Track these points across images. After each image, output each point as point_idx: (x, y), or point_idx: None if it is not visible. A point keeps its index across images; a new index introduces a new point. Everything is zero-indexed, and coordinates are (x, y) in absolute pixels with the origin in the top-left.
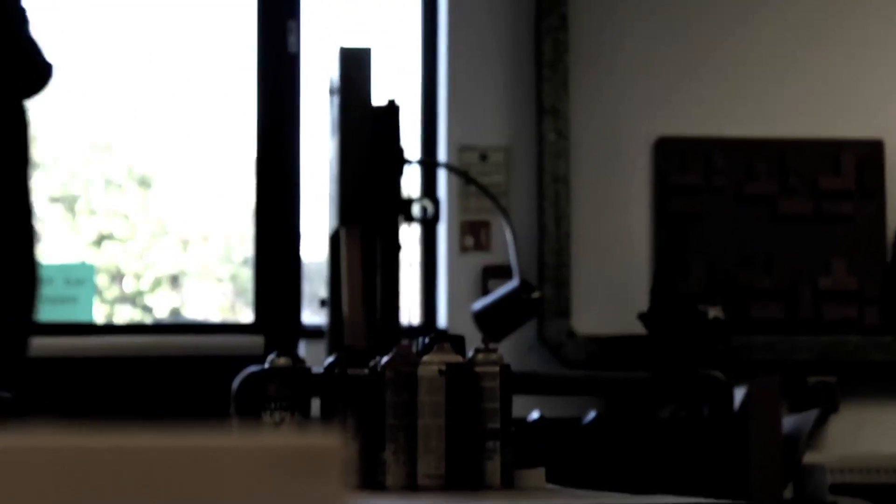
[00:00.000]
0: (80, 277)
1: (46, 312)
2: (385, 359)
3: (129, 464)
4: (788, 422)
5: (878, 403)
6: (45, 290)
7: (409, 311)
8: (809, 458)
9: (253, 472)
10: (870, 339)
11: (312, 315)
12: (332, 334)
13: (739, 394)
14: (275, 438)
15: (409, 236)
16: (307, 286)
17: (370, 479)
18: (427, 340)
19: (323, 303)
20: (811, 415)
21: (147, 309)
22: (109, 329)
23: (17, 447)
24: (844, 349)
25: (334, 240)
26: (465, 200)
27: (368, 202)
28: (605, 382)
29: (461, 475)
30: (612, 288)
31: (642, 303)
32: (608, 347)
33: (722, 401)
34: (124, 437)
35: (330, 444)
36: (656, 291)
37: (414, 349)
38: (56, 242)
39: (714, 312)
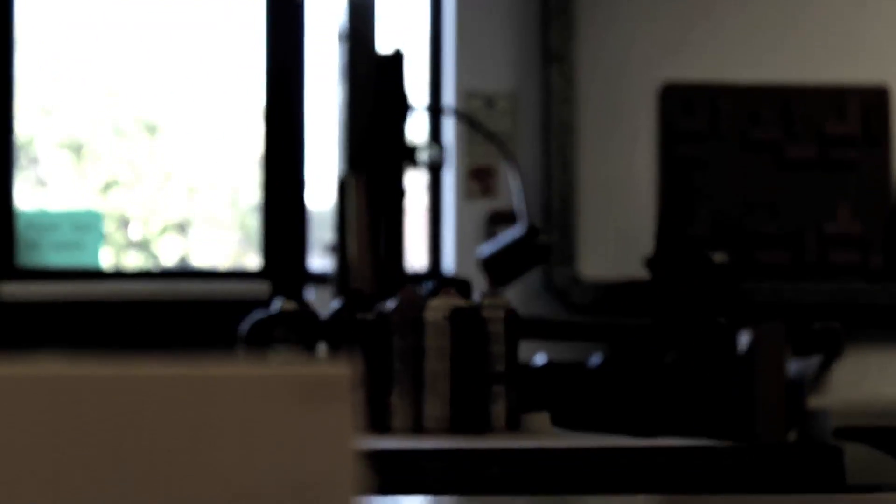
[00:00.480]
0: (88, 224)
1: (54, 258)
2: (391, 303)
3: (130, 391)
4: (793, 367)
5: (883, 349)
6: (53, 236)
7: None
8: (813, 402)
9: (259, 400)
10: (875, 285)
11: (319, 262)
12: (338, 280)
13: (744, 339)
14: (282, 367)
15: (416, 182)
16: (314, 233)
17: (377, 423)
18: (433, 285)
19: (329, 249)
20: (816, 360)
21: (154, 256)
22: (117, 275)
23: (15, 374)
24: (849, 295)
25: (341, 186)
26: (472, 147)
27: (374, 149)
28: (610, 327)
29: (467, 418)
30: (618, 233)
31: (648, 248)
32: (614, 293)
33: (726, 345)
34: (125, 365)
35: (338, 372)
36: (662, 237)
37: (420, 294)
38: (63, 189)
39: (719, 258)
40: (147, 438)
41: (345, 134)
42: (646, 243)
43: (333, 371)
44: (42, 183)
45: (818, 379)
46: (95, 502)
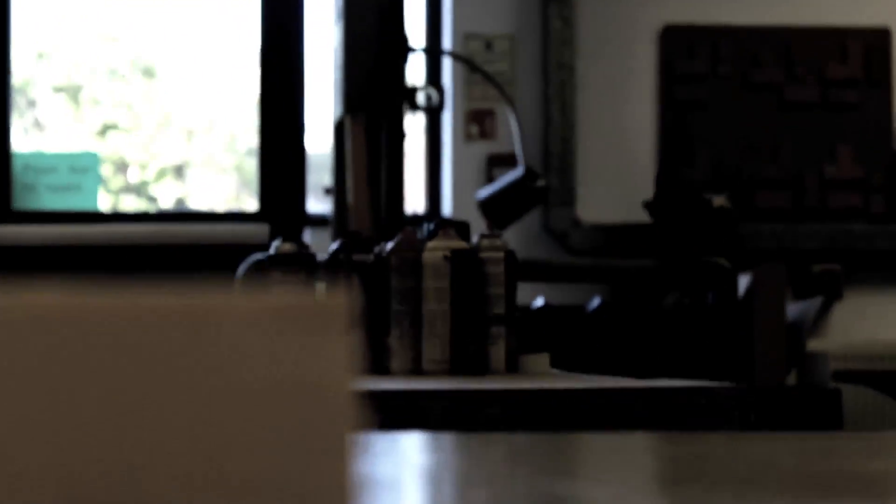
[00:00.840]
0: (85, 166)
1: (50, 201)
2: (390, 245)
3: (121, 321)
4: (792, 309)
5: (883, 291)
6: (50, 179)
7: (414, 200)
8: (813, 345)
9: (254, 330)
10: (875, 228)
11: (317, 205)
12: (336, 222)
13: (744, 281)
14: (277, 298)
15: (414, 125)
16: (311, 176)
17: (375, 364)
18: (432, 227)
19: (328, 191)
20: (815, 302)
21: (152, 199)
22: (114, 217)
23: (6, 305)
24: (849, 237)
25: (339, 128)
26: (470, 89)
27: (373, 91)
28: (609, 270)
29: (466, 360)
30: (617, 176)
31: (647, 191)
32: (613, 236)
33: (726, 288)
34: (115, 296)
35: (335, 303)
36: (661, 180)
37: (419, 236)
38: (60, 132)
39: (719, 201)
40: (138, 370)
41: (343, 76)
42: (645, 186)
43: (330, 303)
44: (39, 126)
45: (817, 322)
46: (90, 433)
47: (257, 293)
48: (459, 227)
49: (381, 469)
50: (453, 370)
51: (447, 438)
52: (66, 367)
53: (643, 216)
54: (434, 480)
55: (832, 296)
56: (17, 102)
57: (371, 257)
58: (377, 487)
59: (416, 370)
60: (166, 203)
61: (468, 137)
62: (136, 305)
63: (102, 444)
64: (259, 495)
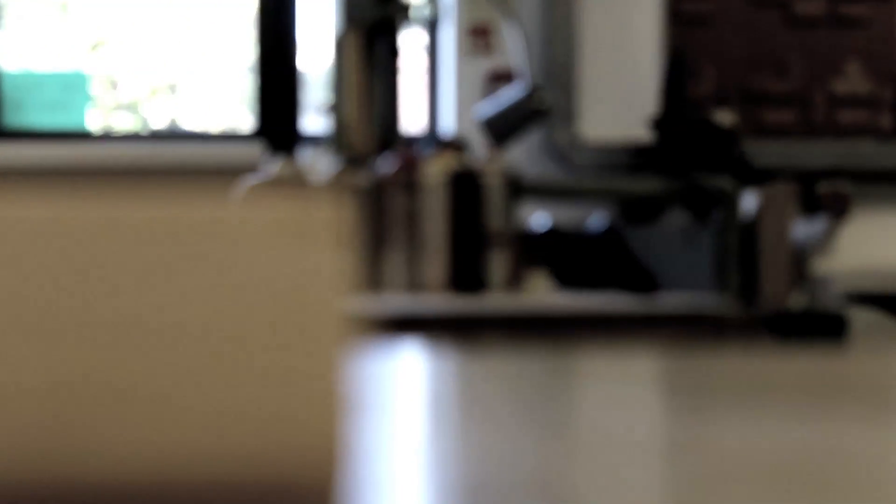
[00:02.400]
0: (74, 84)
1: (39, 119)
2: (387, 164)
3: (108, 230)
4: (800, 230)
5: (892, 210)
6: (38, 97)
7: (414, 119)
8: (821, 266)
9: (247, 239)
10: (884, 145)
11: (312, 124)
12: (333, 141)
13: (750, 201)
14: (266, 207)
15: (413, 41)
16: (307, 95)
17: (374, 284)
18: (432, 147)
19: (324, 110)
20: (822, 222)
21: (143, 118)
22: (105, 137)
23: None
24: (858, 155)
25: (336, 45)
26: (470, 3)
27: (370, 6)
28: (613, 189)
29: (466, 278)
30: (621, 92)
31: (651, 107)
32: (617, 154)
33: (731, 208)
34: (102, 206)
35: (328, 213)
36: (666, 97)
37: (418, 154)
38: (49, 49)
39: (724, 117)
40: (124, 280)
41: None
42: (649, 102)
43: (323, 214)
44: (27, 42)
45: (824, 242)
46: (76, 342)
47: (245, 205)
48: (459, 146)
49: (373, 386)
50: (453, 288)
51: (442, 355)
52: (53, 279)
53: (646, 133)
54: (428, 398)
55: (840, 215)
56: (4, 18)
57: (369, 177)
58: (368, 405)
59: (415, 288)
60: (159, 122)
61: (468, 53)
62: (118, 215)
63: (92, 351)
64: (246, 415)
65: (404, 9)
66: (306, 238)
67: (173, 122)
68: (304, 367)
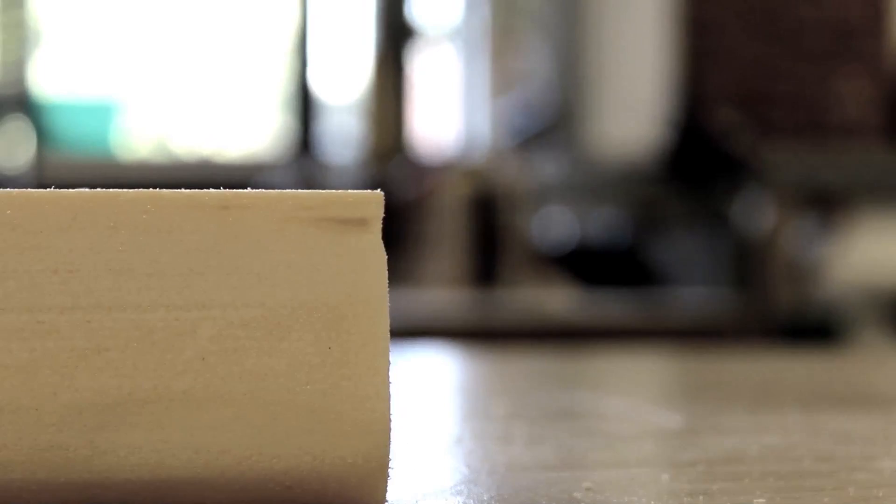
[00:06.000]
0: (105, 112)
1: (72, 147)
2: (409, 186)
3: (146, 213)
4: (802, 229)
5: (894, 212)
6: (72, 125)
7: (435, 131)
8: (825, 270)
9: (286, 222)
10: (888, 151)
11: (341, 153)
12: (361, 159)
13: (757, 206)
14: (306, 195)
15: (435, 53)
16: (336, 123)
17: (398, 277)
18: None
19: (352, 133)
20: (823, 221)
21: (174, 147)
22: (137, 166)
23: (39, 196)
24: (862, 160)
25: (370, 67)
26: (495, 11)
27: (399, 25)
28: (629, 195)
29: (485, 282)
30: (633, 97)
31: (662, 110)
32: (634, 160)
33: (739, 213)
34: (139, 192)
35: (367, 199)
36: (680, 123)
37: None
38: (82, 76)
39: (727, 115)
40: (168, 262)
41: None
42: (661, 104)
43: (364, 200)
44: (61, 69)
45: (825, 241)
46: (110, 325)
47: (293, 197)
48: (479, 159)
49: (401, 379)
50: (473, 289)
51: (467, 350)
52: (93, 258)
53: (659, 136)
54: (454, 392)
55: (842, 219)
56: (40, 46)
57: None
58: (399, 398)
59: (438, 283)
60: (191, 152)
61: (492, 68)
62: (161, 197)
63: (129, 334)
64: (290, 405)
65: (427, 25)
66: (353, 228)
67: (204, 151)
68: (350, 355)
